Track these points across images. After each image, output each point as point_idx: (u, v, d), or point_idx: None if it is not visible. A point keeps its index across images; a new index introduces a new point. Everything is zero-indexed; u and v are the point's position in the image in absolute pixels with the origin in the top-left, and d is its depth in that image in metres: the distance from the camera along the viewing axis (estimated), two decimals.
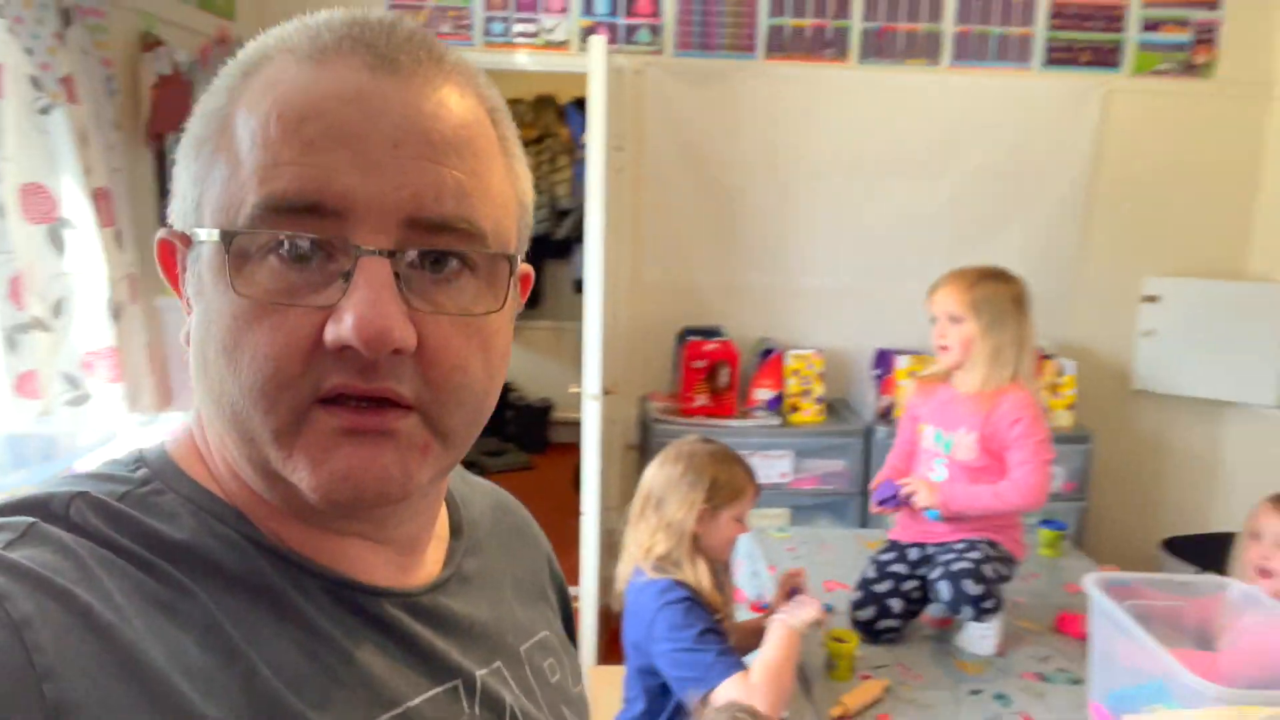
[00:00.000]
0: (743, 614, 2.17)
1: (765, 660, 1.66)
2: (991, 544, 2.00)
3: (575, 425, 5.15)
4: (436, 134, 0.50)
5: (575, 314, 4.81)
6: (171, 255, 0.55)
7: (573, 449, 5.08)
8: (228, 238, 0.48)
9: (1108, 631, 1.65)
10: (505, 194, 0.55)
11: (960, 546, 1.98)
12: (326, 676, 0.50)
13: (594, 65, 2.66)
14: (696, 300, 3.50)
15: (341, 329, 0.47)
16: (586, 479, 2.91)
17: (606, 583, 3.56)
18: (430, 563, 0.62)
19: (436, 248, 0.50)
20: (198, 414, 0.56)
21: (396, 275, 0.49)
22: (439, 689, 0.56)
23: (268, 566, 0.52)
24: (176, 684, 0.44)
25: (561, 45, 3.27)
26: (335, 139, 0.48)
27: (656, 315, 3.49)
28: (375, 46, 0.50)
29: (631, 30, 3.28)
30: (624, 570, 1.85)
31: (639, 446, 3.56)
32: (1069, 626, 2.11)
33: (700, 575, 1.75)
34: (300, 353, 0.48)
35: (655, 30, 3.29)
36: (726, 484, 1.78)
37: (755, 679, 1.62)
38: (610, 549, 3.48)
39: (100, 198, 2.10)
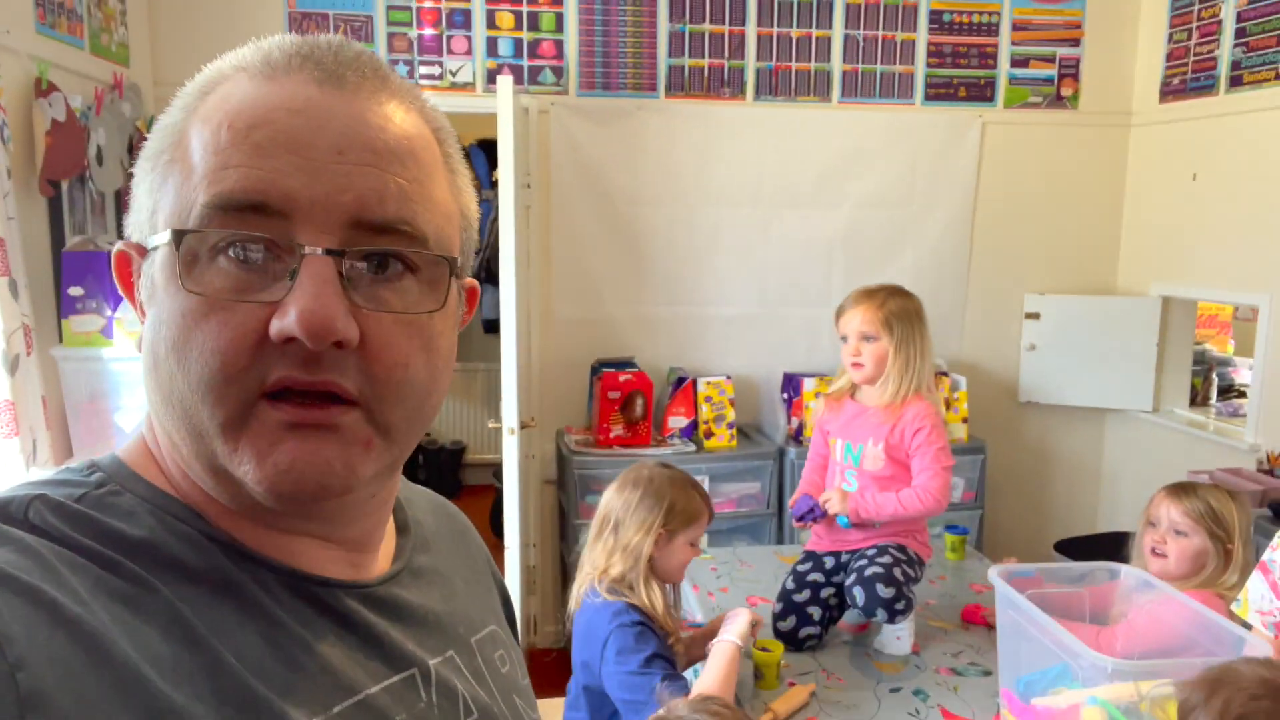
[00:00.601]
0: None
1: (706, 681, 1.72)
2: (900, 548, 2.10)
3: (489, 467, 5.15)
4: (380, 143, 0.53)
5: (486, 355, 4.82)
6: (127, 266, 0.57)
7: (488, 491, 5.06)
8: (179, 237, 0.50)
9: (1013, 620, 1.76)
10: (448, 204, 0.57)
11: (872, 552, 2.08)
12: (289, 665, 0.52)
13: (502, 105, 2.72)
14: (608, 333, 3.57)
15: (285, 321, 0.49)
16: (508, 511, 2.91)
17: (529, 620, 3.56)
18: (382, 559, 0.64)
19: (379, 247, 0.53)
20: (149, 419, 0.58)
21: (340, 274, 0.51)
22: (396, 678, 0.58)
23: (226, 562, 0.53)
24: (145, 673, 0.45)
25: (467, 87, 3.33)
26: (282, 145, 0.50)
27: (570, 349, 3.54)
28: (323, 64, 0.53)
29: (535, 72, 3.36)
30: (578, 590, 1.87)
31: (557, 481, 3.58)
32: (973, 616, 2.25)
33: (654, 598, 1.80)
34: (247, 347, 0.50)
35: (558, 71, 3.38)
36: (683, 509, 1.83)
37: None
38: (530, 586, 3.49)
39: None
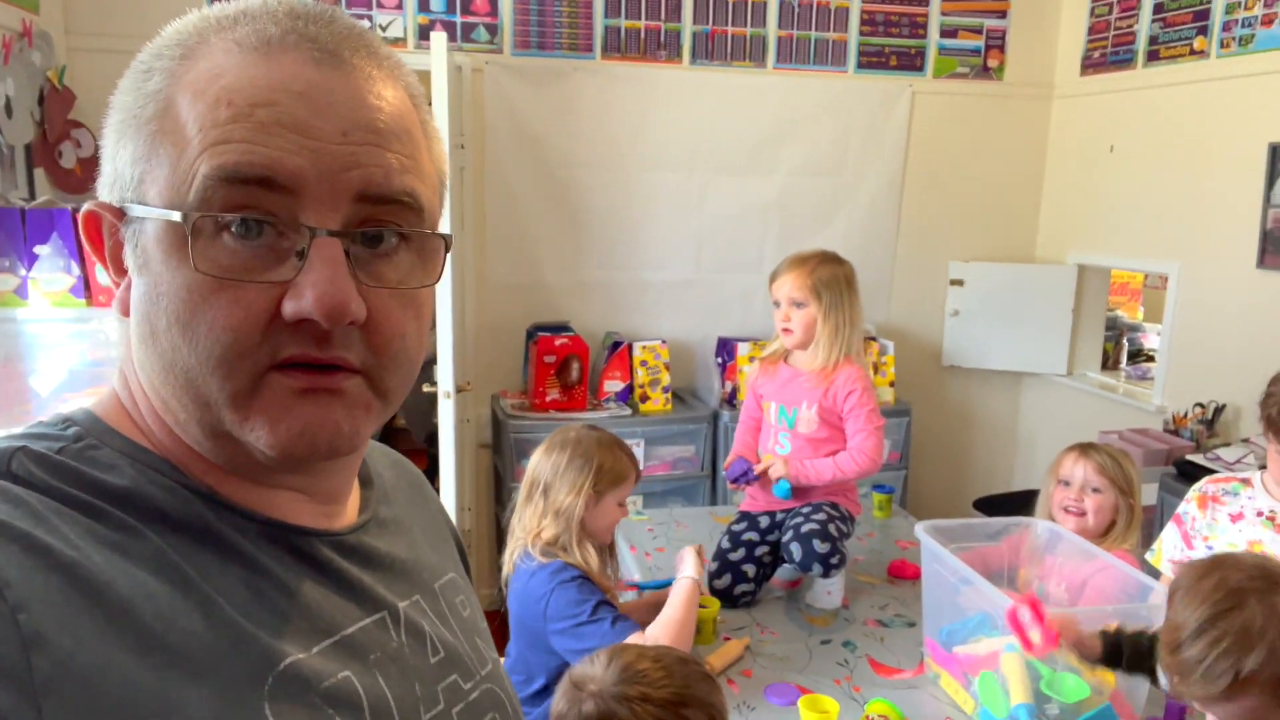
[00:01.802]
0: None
1: (665, 617, 1.77)
2: (834, 505, 2.17)
3: (420, 432, 5.09)
4: (380, 123, 0.54)
5: None
6: (97, 226, 0.57)
7: (419, 456, 5.01)
8: (188, 219, 0.51)
9: (937, 573, 1.84)
10: (431, 174, 0.60)
11: (807, 510, 2.14)
12: (270, 607, 0.54)
13: (436, 63, 2.67)
14: (544, 297, 3.56)
15: (303, 304, 0.51)
16: (444, 474, 2.91)
17: None
18: (350, 510, 0.66)
19: (382, 219, 0.55)
20: (124, 377, 0.58)
21: (346, 253, 0.53)
22: (369, 619, 0.61)
23: (206, 511, 0.55)
24: (140, 612, 0.47)
25: (397, 43, 3.25)
26: (286, 126, 0.51)
27: (504, 313, 3.52)
28: (319, 41, 0.54)
29: (468, 29, 3.30)
30: (510, 555, 1.88)
31: (492, 445, 3.58)
32: (900, 571, 2.35)
33: (589, 558, 1.81)
34: (259, 325, 0.52)
35: (492, 29, 3.32)
36: (611, 469, 1.84)
37: (654, 631, 1.72)
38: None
39: None
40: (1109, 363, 4.04)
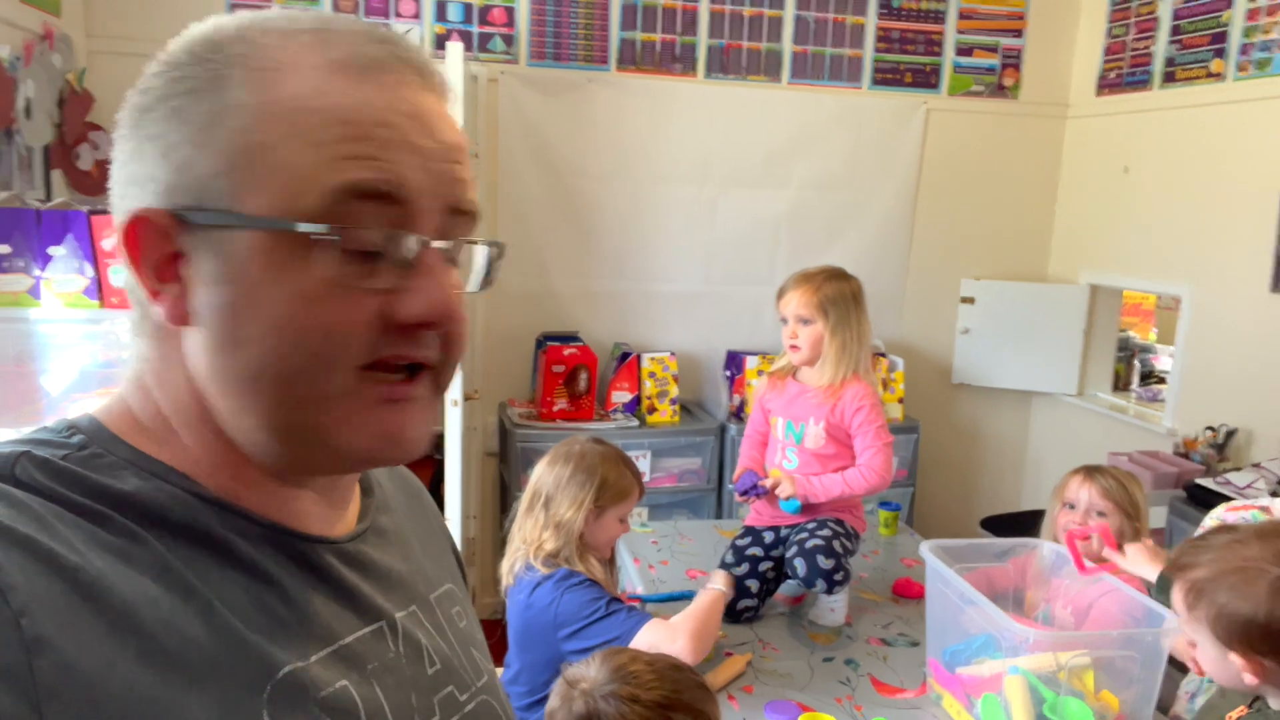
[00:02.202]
0: None
1: (691, 610, 1.79)
2: (839, 522, 2.16)
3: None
4: (460, 141, 0.59)
5: None
6: (139, 233, 0.54)
7: (426, 463, 5.01)
8: (315, 230, 0.52)
9: (942, 593, 1.83)
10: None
11: (812, 526, 2.14)
12: (270, 615, 0.54)
13: (451, 72, 2.68)
14: (554, 306, 3.56)
15: (420, 309, 0.55)
16: (449, 485, 2.91)
17: (469, 592, 3.56)
18: (349, 517, 0.67)
19: (458, 229, 0.59)
20: (140, 385, 0.58)
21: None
22: (367, 629, 0.61)
23: (210, 516, 0.55)
24: (141, 618, 0.47)
25: None
26: (401, 145, 0.55)
27: (514, 322, 3.52)
28: (412, 64, 0.58)
29: (485, 39, 3.32)
30: (510, 564, 1.87)
31: (499, 454, 3.58)
32: (905, 589, 2.34)
33: (592, 569, 1.81)
34: (358, 329, 0.54)
35: (508, 40, 3.34)
36: (614, 484, 1.83)
37: (678, 620, 1.73)
38: (469, 558, 3.49)
39: None
40: (1120, 384, 4.01)
